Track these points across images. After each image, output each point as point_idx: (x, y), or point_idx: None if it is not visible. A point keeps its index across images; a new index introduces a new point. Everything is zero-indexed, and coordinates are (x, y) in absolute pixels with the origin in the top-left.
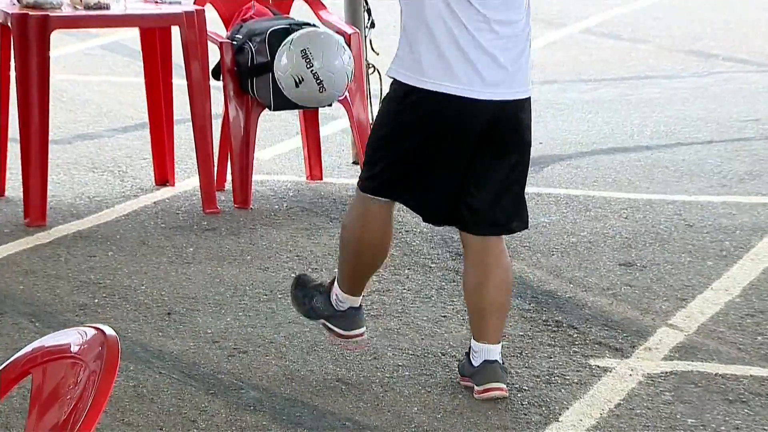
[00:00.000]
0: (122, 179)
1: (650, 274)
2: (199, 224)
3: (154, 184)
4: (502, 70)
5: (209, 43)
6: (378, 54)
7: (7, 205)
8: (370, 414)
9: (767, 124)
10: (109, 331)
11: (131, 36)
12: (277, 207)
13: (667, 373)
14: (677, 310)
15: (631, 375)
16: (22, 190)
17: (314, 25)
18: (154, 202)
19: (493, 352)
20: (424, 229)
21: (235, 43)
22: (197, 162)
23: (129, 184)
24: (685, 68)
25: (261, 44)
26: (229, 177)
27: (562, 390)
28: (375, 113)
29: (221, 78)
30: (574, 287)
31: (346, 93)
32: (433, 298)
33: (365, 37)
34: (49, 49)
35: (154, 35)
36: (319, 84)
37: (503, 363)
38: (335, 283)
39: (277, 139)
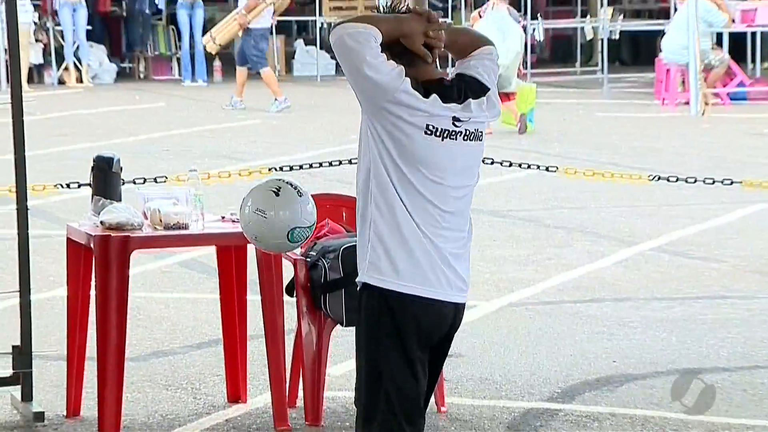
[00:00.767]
0: (195, 396)
1: None
2: None
3: (226, 401)
4: (461, 273)
5: (283, 260)
6: None
7: (82, 425)
8: None
9: None
10: None
11: (208, 253)
12: (348, 424)
13: None
14: None
15: None
16: (97, 409)
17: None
18: (226, 420)
19: None
20: None
21: (308, 259)
22: (269, 378)
23: (201, 401)
24: (760, 289)
25: (334, 261)
26: (300, 393)
27: None
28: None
29: (294, 294)
30: None
31: None
32: None
33: None
34: (128, 269)
35: (229, 253)
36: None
37: None
38: None
39: (348, 355)
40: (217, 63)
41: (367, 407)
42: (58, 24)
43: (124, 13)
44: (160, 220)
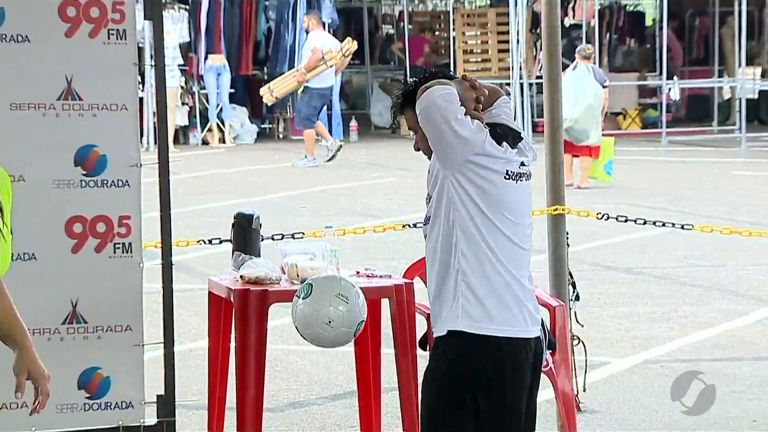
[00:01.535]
0: None
1: None
2: None
3: None
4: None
5: (417, 314)
6: (582, 326)
7: None
8: None
9: None
10: None
11: None
12: None
13: None
14: None
15: None
16: None
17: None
18: None
19: None
20: None
21: None
22: (404, 430)
23: None
24: None
25: None
26: None
27: None
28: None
29: (427, 348)
30: None
31: (552, 365)
32: None
33: (570, 309)
34: (267, 321)
35: None
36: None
37: None
38: None
39: None
40: (353, 123)
41: None
42: (203, 87)
43: (265, 77)
44: (298, 275)
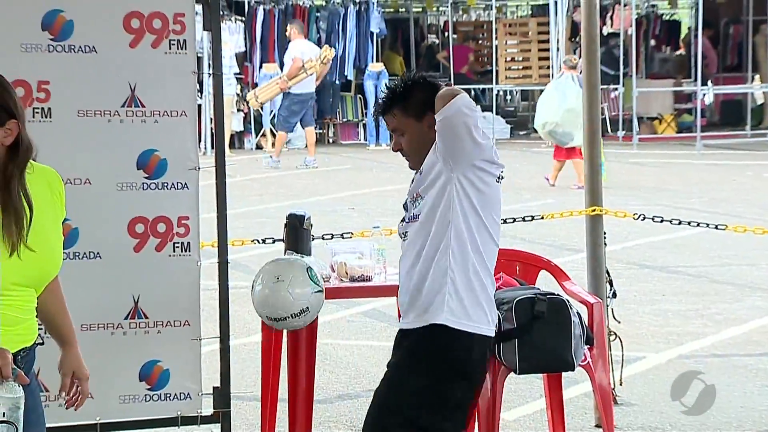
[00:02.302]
0: None
1: None
2: None
3: None
4: None
5: None
6: (619, 322)
7: None
8: None
9: None
10: None
11: (389, 304)
12: None
13: None
14: None
15: None
16: None
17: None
18: None
19: None
20: None
21: None
22: None
23: None
24: None
25: (508, 312)
26: None
27: None
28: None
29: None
30: None
31: (589, 359)
32: None
33: (607, 306)
34: (317, 317)
35: None
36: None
37: None
38: None
39: (522, 401)
40: None
41: None
42: None
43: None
44: (346, 273)
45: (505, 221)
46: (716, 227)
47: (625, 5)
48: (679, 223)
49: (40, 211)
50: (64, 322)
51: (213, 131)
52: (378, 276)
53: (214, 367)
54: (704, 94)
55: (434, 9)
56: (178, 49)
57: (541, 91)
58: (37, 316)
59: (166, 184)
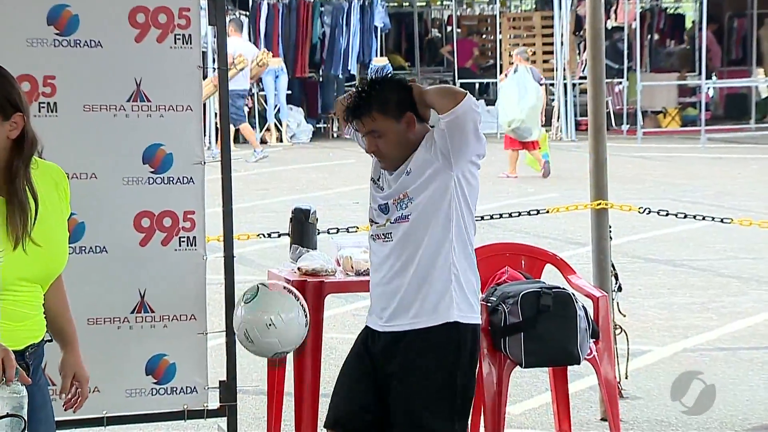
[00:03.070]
0: None
1: None
2: None
3: None
4: None
5: None
6: (624, 316)
7: None
8: None
9: None
10: None
11: None
12: None
13: None
14: None
15: None
16: None
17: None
18: None
19: None
20: None
21: (489, 304)
22: None
23: None
24: None
25: (513, 306)
26: (482, 430)
27: None
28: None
29: None
30: None
31: (595, 353)
32: None
33: (612, 300)
34: (323, 311)
35: None
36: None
37: None
38: None
39: (527, 395)
40: None
41: None
42: (262, 89)
43: (321, 78)
44: (352, 267)
45: (510, 215)
46: (721, 220)
47: None
48: (684, 216)
49: (45, 207)
50: (67, 323)
51: (218, 125)
52: None
53: (221, 361)
54: (709, 88)
55: (438, 3)
56: (183, 43)
57: (545, 85)
58: None
59: (171, 179)
